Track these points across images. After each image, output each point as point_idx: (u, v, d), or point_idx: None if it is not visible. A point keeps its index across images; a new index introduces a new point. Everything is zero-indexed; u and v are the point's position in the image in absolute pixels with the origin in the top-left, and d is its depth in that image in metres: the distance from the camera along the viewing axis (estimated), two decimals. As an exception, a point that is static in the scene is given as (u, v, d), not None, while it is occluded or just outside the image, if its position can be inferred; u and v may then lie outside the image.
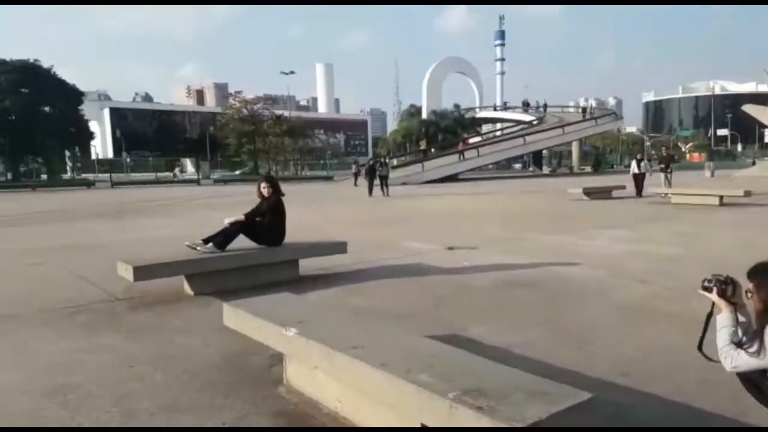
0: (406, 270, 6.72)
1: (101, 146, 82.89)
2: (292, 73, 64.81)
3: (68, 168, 67.21)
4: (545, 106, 61.95)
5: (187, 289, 5.56)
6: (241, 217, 6.00)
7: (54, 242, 9.66)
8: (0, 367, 3.59)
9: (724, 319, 2.29)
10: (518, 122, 58.27)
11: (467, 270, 6.67)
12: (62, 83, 53.75)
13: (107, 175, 45.66)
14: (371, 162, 24.22)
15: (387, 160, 31.23)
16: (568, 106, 68.62)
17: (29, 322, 4.64)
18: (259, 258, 5.94)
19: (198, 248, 5.70)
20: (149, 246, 8.34)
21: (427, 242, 8.89)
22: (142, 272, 5.12)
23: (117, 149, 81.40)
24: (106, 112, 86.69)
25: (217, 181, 43.52)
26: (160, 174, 55.40)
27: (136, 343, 4.08)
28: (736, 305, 2.30)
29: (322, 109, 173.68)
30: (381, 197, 20.98)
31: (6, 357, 3.79)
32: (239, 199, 22.38)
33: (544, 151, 62.38)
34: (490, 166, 50.54)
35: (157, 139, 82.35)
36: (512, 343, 3.94)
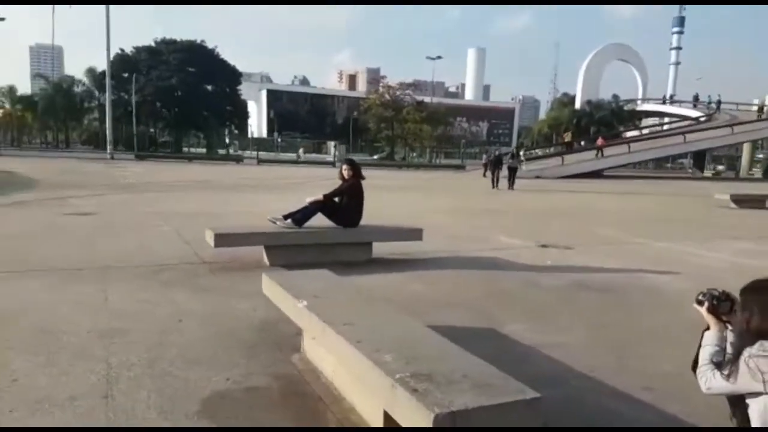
0: (481, 263, 6.64)
1: (257, 125, 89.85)
2: (438, 58, 65.24)
3: (226, 143, 73.48)
4: (719, 102, 55.24)
5: (265, 259, 5.99)
6: (320, 196, 6.29)
7: (184, 209, 10.82)
8: (77, 308, 4.20)
9: (709, 336, 2.09)
10: (684, 118, 53.14)
11: (545, 269, 6.42)
12: (224, 63, 59.10)
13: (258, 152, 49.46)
14: (496, 153, 23.41)
15: (520, 152, 30.18)
16: (749, 104, 60.68)
17: (122, 274, 5.33)
18: (332, 237, 6.21)
19: (277, 222, 6.10)
20: (257, 218, 9.03)
21: (522, 238, 8.63)
22: (222, 239, 5.62)
23: (270, 129, 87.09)
24: (264, 94, 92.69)
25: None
26: (313, 155, 56.85)
27: (197, 301, 4.53)
28: (728, 323, 2.07)
29: (469, 96, 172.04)
30: (505, 190, 20.33)
31: (86, 300, 4.41)
32: (375, 184, 23.31)
33: (709, 152, 56.36)
34: (649, 164, 46.63)
35: (308, 121, 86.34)
36: (545, 342, 3.80)
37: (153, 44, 60.03)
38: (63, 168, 23.72)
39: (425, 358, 2.41)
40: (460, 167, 46.08)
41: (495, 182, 21.48)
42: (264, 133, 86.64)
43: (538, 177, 30.96)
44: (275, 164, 40.39)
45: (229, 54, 61.89)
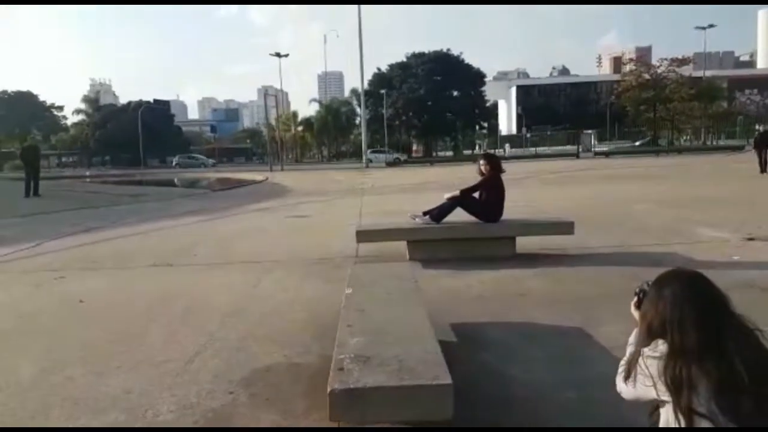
0: (643, 259, 5.93)
1: (506, 123, 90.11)
2: (710, 26, 56.85)
3: (476, 144, 75.27)
4: None
5: (407, 254, 6.38)
6: (456, 192, 6.41)
7: (387, 208, 11.76)
8: (226, 293, 5.16)
9: (632, 335, 1.83)
10: None
11: (722, 266, 5.46)
12: (468, 68, 61.03)
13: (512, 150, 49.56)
14: (760, 129, 19.34)
15: None
16: None
17: (283, 267, 6.23)
18: (469, 232, 6.27)
19: (416, 219, 6.43)
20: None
21: (730, 231, 7.35)
22: (363, 236, 6.20)
23: (520, 125, 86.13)
24: (513, 91, 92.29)
25: (598, 154, 42.26)
26: (559, 148, 53.85)
27: (319, 290, 5.14)
28: None
29: (762, 64, 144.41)
30: None
31: (238, 287, 5.37)
32: (603, 173, 21.88)
33: None
34: None
35: (563, 112, 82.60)
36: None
37: (404, 59, 65.15)
38: (323, 178, 27.62)
39: (388, 344, 2.54)
40: (737, 148, 39.38)
41: (763, 165, 17.81)
42: (513, 130, 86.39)
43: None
44: (515, 160, 40.14)
45: (482, 56, 63.77)
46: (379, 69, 64.98)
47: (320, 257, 6.60)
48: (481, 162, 6.51)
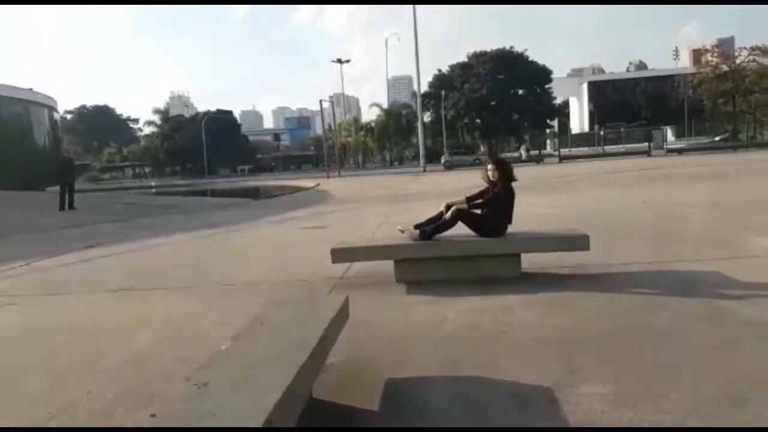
0: (674, 281, 4.84)
1: (578, 120, 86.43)
2: (797, 10, 52.01)
3: (547, 144, 72.44)
4: None
5: (394, 274, 5.55)
6: (461, 201, 5.51)
7: (413, 217, 10.97)
8: (151, 324, 4.56)
9: None
10: None
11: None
12: (534, 65, 58.86)
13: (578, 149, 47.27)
14: None
15: None
16: None
17: (253, 290, 5.59)
18: (465, 249, 5.37)
19: (405, 233, 5.59)
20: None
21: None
22: (339, 255, 5.40)
23: (592, 122, 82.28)
24: (584, 87, 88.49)
25: (671, 151, 39.35)
26: (632, 145, 48.18)
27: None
28: None
29: None
30: None
31: (175, 314, 4.75)
32: (669, 172, 20.00)
33: None
34: None
35: (639, 107, 78.08)
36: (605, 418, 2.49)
37: (465, 59, 63.79)
38: (371, 183, 27.08)
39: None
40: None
41: None
42: (586, 128, 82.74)
43: None
44: (575, 160, 38.08)
45: (554, 53, 61.66)
46: (439, 70, 64.03)
47: (303, 278, 5.89)
48: (490, 167, 5.52)
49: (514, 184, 5.54)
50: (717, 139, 53.08)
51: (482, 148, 60.61)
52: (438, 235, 5.47)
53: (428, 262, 5.40)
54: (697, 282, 4.74)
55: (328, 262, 5.49)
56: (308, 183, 28.99)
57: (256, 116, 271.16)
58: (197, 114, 75.26)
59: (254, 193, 23.34)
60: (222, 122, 68.99)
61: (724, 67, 50.84)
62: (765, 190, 11.69)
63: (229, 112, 79.65)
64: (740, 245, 6.08)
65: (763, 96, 49.47)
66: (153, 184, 49.57)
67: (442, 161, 44.57)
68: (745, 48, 50.81)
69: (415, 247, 5.41)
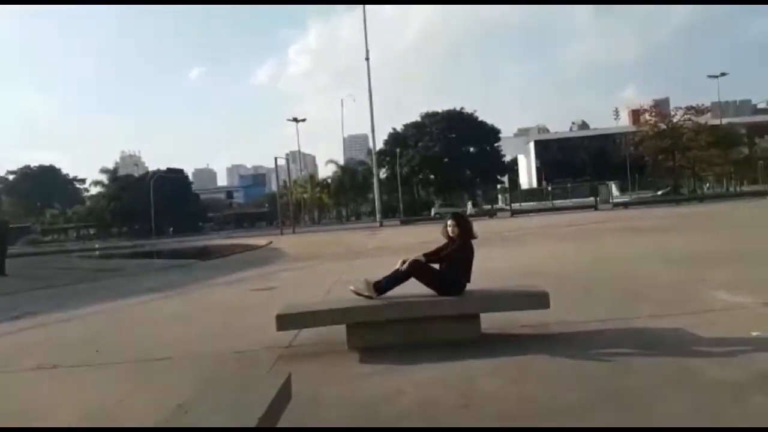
0: (638, 339, 4.65)
1: (527, 176, 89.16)
2: (722, 75, 56.38)
3: (498, 198, 73.89)
4: None
5: (346, 341, 5.16)
6: (419, 256, 5.23)
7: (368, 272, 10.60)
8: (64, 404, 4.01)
9: None
10: None
11: (743, 348, 4.16)
12: (483, 125, 60.96)
13: (528, 204, 48.28)
14: None
15: None
16: None
17: (183, 367, 5.08)
18: (420, 310, 5.05)
19: (358, 292, 5.24)
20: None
21: (751, 294, 6.02)
22: (284, 322, 4.97)
23: (540, 178, 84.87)
24: (531, 146, 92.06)
25: (616, 205, 40.76)
26: (579, 200, 49.93)
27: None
28: None
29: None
30: None
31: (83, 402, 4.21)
32: (617, 226, 20.47)
33: None
34: None
35: (583, 164, 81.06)
36: None
37: (419, 119, 65.53)
38: (326, 240, 26.67)
39: None
40: (760, 194, 37.61)
41: None
42: (534, 183, 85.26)
43: None
44: (526, 214, 38.87)
45: (502, 114, 64.29)
46: (394, 129, 65.45)
47: (246, 349, 5.38)
48: (450, 223, 5.30)
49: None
50: (659, 193, 55.42)
51: (499, 198, 61.23)
52: (393, 295, 5.17)
53: (383, 326, 5.05)
54: (660, 340, 4.56)
55: (271, 329, 5.08)
56: (260, 241, 28.29)
57: (210, 174, 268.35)
58: (147, 173, 73.67)
59: (203, 254, 22.46)
60: (172, 181, 67.64)
61: (663, 126, 53.74)
62: (709, 243, 11.95)
63: (180, 171, 78.33)
64: (696, 299, 6.01)
65: (700, 152, 52.33)
66: (97, 246, 47.56)
67: (432, 213, 45.40)
68: (680, 107, 54.13)
69: (368, 309, 5.06)
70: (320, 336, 5.37)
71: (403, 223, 41.42)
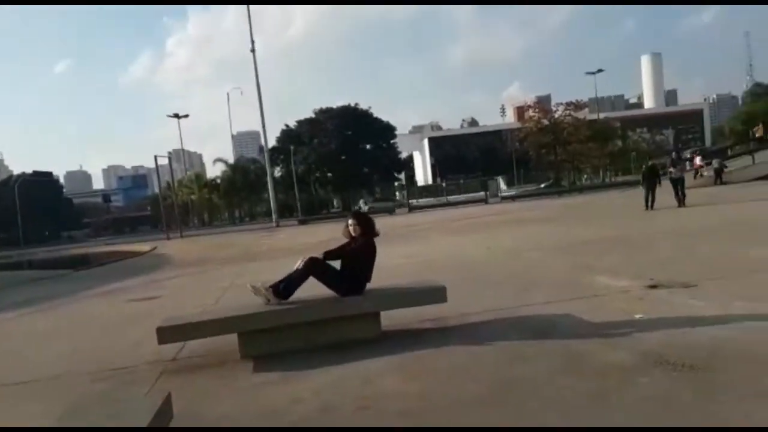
0: (530, 326, 4.76)
1: (422, 172, 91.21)
2: (599, 71, 60.69)
3: (396, 194, 74.68)
4: None
5: (239, 349, 4.80)
6: (317, 255, 4.98)
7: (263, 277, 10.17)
8: None
9: None
10: None
11: (624, 328, 4.38)
12: (378, 121, 61.43)
13: (424, 200, 49.27)
14: (649, 163, 19.12)
15: (682, 155, 25.25)
16: None
17: (55, 388, 4.52)
18: (320, 311, 4.83)
19: (257, 293, 4.92)
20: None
21: (630, 277, 6.41)
22: (167, 334, 4.54)
23: (434, 175, 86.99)
24: (426, 143, 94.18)
25: (504, 198, 42.87)
26: (470, 194, 51.08)
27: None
28: None
29: (649, 104, 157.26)
30: (672, 208, 16.06)
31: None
32: (506, 218, 21.44)
33: None
34: None
35: (474, 160, 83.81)
36: None
37: (312, 115, 64.69)
38: (218, 243, 25.49)
39: None
40: (633, 184, 41.12)
41: (649, 202, 16.80)
42: (430, 180, 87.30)
43: (723, 183, 26.29)
44: (423, 210, 39.82)
45: (397, 111, 64.64)
46: (287, 125, 64.12)
47: (123, 365, 4.85)
48: (351, 222, 5.12)
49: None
50: (542, 186, 58.88)
51: (397, 195, 60.29)
52: (291, 296, 4.91)
53: (278, 331, 4.77)
54: (551, 326, 4.67)
55: (153, 342, 4.63)
56: (144, 247, 26.55)
57: (84, 177, 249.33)
58: (11, 177, 66.70)
59: (78, 262, 20.59)
60: (40, 185, 61.75)
61: (545, 122, 57.05)
62: (591, 232, 12.75)
63: (49, 174, 71.85)
64: (585, 285, 6.28)
65: (579, 146, 56.13)
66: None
67: (366, 208, 43.30)
68: (561, 103, 57.68)
69: (261, 315, 4.76)
70: (210, 346, 4.99)
71: (302, 222, 40.78)
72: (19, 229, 54.16)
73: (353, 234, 5.12)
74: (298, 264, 4.94)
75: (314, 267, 4.93)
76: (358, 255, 5.03)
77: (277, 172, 60.42)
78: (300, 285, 4.94)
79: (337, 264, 5.04)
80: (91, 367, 4.90)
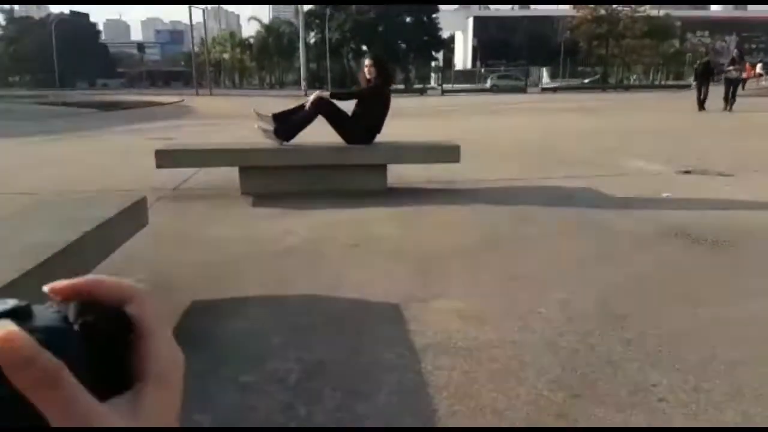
0: (545, 195, 4.49)
1: (462, 56, 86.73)
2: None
3: (431, 77, 71.90)
4: None
5: (239, 184, 4.67)
6: (324, 93, 4.71)
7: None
8: None
9: None
10: None
11: (652, 205, 4.08)
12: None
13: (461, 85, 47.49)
14: (705, 60, 17.59)
15: (744, 55, 22.83)
16: None
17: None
18: (324, 157, 4.62)
19: (260, 124, 4.73)
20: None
21: (663, 163, 6.02)
22: (164, 158, 4.40)
23: (475, 59, 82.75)
24: (470, 22, 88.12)
25: (545, 90, 40.99)
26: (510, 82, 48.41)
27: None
28: None
29: (716, 7, 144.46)
30: (720, 112, 14.82)
31: None
32: (544, 106, 20.46)
33: None
34: None
35: (520, 47, 78.92)
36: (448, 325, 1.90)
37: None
38: (244, 103, 25.07)
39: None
40: (686, 86, 38.80)
41: (701, 101, 15.44)
42: (469, 65, 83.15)
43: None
44: (457, 94, 38.50)
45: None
46: (326, -15, 60.35)
47: (127, 188, 4.74)
48: (367, 63, 4.72)
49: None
50: (586, 81, 56.02)
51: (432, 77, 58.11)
52: (299, 142, 4.68)
53: (281, 172, 4.60)
54: (569, 197, 4.41)
55: (164, 173, 4.53)
56: (172, 99, 26.42)
57: (123, 27, 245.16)
58: (48, 15, 65.52)
59: (108, 106, 20.52)
60: (76, 27, 60.61)
61: (602, 11, 52.93)
62: (629, 122, 12.09)
63: (86, 15, 70.24)
64: (614, 165, 5.95)
65: (633, 41, 52.42)
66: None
67: (488, 85, 41.95)
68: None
69: (265, 153, 4.58)
70: (212, 181, 4.89)
71: (332, 96, 39.80)
72: (55, 71, 54.16)
73: (368, 76, 4.75)
74: (307, 105, 4.68)
75: (323, 105, 4.65)
76: (371, 101, 4.70)
77: (311, 38, 58.12)
78: (304, 127, 4.69)
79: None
80: (94, 188, 4.85)
